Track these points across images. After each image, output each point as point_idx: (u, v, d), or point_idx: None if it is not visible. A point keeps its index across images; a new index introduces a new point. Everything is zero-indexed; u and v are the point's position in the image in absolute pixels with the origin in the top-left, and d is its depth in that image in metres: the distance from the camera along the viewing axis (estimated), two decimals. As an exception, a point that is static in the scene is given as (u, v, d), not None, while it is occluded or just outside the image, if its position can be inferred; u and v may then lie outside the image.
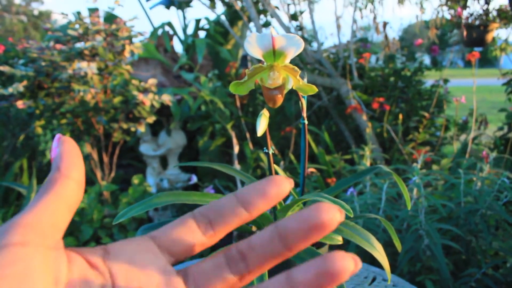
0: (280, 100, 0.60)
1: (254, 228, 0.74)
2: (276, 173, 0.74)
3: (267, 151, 0.65)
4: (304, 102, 0.71)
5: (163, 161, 3.08)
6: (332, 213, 0.24)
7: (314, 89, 0.61)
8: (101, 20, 2.19)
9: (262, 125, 0.60)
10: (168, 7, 3.53)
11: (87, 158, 2.87)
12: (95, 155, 2.31)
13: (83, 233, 2.01)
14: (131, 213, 0.59)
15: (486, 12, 3.26)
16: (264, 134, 0.64)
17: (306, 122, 0.72)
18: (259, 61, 0.62)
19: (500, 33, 3.58)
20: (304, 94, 0.63)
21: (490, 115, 3.22)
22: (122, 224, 2.11)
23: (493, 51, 3.79)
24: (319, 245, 0.71)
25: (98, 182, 2.32)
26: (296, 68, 0.60)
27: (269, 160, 0.65)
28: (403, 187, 0.68)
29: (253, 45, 0.58)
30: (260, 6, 3.40)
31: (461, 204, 1.59)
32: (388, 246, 1.45)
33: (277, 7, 3.31)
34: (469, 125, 2.91)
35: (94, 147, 2.33)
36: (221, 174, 2.90)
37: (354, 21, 3.09)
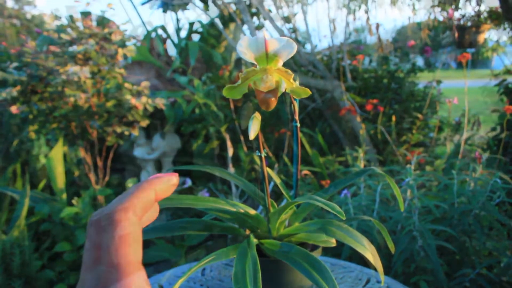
0: (273, 103, 0.60)
1: (247, 232, 0.74)
2: (269, 176, 0.74)
3: (259, 154, 0.65)
4: (296, 105, 0.71)
5: (158, 165, 3.07)
6: None
7: (307, 92, 0.61)
8: (94, 23, 2.19)
9: (254, 128, 0.60)
10: (165, 11, 3.53)
11: (81, 162, 2.86)
12: (89, 160, 2.31)
13: (77, 238, 2.00)
14: (124, 217, 0.58)
15: (478, 13, 3.29)
16: (257, 137, 0.65)
17: (298, 124, 0.72)
18: (253, 64, 0.62)
19: (492, 34, 3.61)
20: (298, 97, 0.63)
21: (483, 116, 3.24)
22: (116, 228, 2.10)
23: (485, 52, 3.81)
24: (313, 247, 0.71)
25: (93, 186, 2.31)
26: (289, 71, 0.60)
27: (261, 163, 0.65)
28: (396, 189, 0.69)
29: (245, 48, 0.58)
30: (253, 9, 3.41)
31: (454, 204, 1.60)
32: (383, 247, 1.45)
33: (270, 10, 3.32)
34: (462, 126, 2.92)
35: (88, 152, 2.32)
36: (215, 177, 2.90)
37: (347, 23, 3.11)
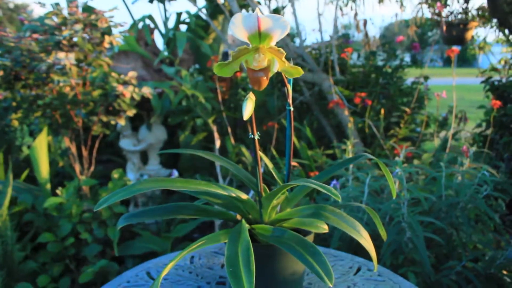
0: (265, 82, 0.59)
1: (239, 217, 0.72)
2: (261, 159, 0.73)
3: (252, 136, 0.63)
4: (289, 88, 0.69)
5: (144, 157, 3.03)
6: None
7: (300, 71, 0.60)
8: (79, 10, 2.14)
9: (248, 108, 0.58)
10: (151, 1, 3.47)
11: (65, 152, 2.81)
12: (74, 149, 2.26)
13: (61, 229, 1.96)
14: (114, 198, 0.56)
15: (466, 10, 3.31)
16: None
17: (291, 108, 0.71)
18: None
19: (479, 32, 3.64)
20: (290, 77, 0.62)
21: (469, 113, 3.27)
22: (102, 220, 2.06)
23: (472, 50, 3.84)
24: (305, 233, 0.70)
25: (77, 177, 2.27)
26: (281, 50, 0.58)
27: (254, 145, 0.64)
28: (388, 175, 0.68)
29: (238, 26, 0.57)
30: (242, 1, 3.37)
31: (442, 197, 1.60)
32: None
33: (259, 2, 3.29)
34: (449, 121, 2.94)
35: (73, 141, 2.27)
36: (201, 170, 2.87)
37: (336, 17, 3.10)
